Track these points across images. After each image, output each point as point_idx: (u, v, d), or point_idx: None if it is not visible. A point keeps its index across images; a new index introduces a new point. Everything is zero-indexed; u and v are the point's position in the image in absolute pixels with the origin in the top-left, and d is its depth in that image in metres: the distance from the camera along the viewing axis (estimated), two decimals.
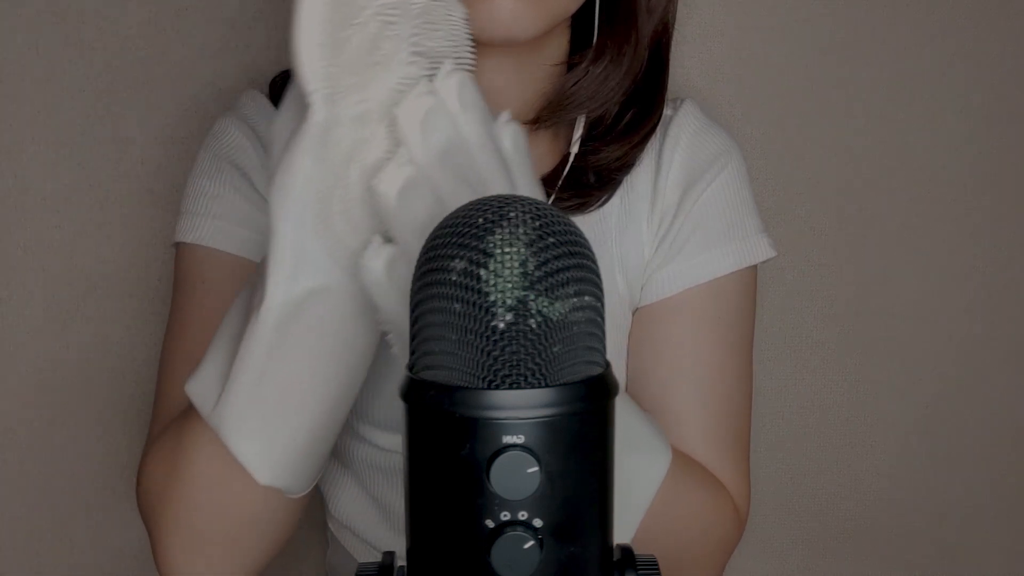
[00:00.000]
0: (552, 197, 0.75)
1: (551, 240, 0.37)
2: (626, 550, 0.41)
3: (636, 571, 0.40)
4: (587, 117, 0.75)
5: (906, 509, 1.09)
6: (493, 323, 0.36)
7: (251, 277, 0.58)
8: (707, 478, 0.71)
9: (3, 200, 0.92)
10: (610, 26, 0.74)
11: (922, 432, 1.08)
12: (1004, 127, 1.04)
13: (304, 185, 0.50)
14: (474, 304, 0.36)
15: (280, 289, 0.52)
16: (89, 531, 0.98)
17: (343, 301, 0.52)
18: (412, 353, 0.39)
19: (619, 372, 0.77)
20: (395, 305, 0.50)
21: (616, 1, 0.74)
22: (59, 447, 0.96)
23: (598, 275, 0.38)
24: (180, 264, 0.76)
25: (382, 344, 0.55)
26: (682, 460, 0.68)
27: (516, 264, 0.36)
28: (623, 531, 0.62)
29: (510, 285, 0.36)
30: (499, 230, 0.36)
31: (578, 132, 0.75)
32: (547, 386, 0.36)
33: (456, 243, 0.37)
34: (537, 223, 0.37)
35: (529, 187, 0.52)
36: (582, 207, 0.75)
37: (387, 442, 0.77)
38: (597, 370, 0.38)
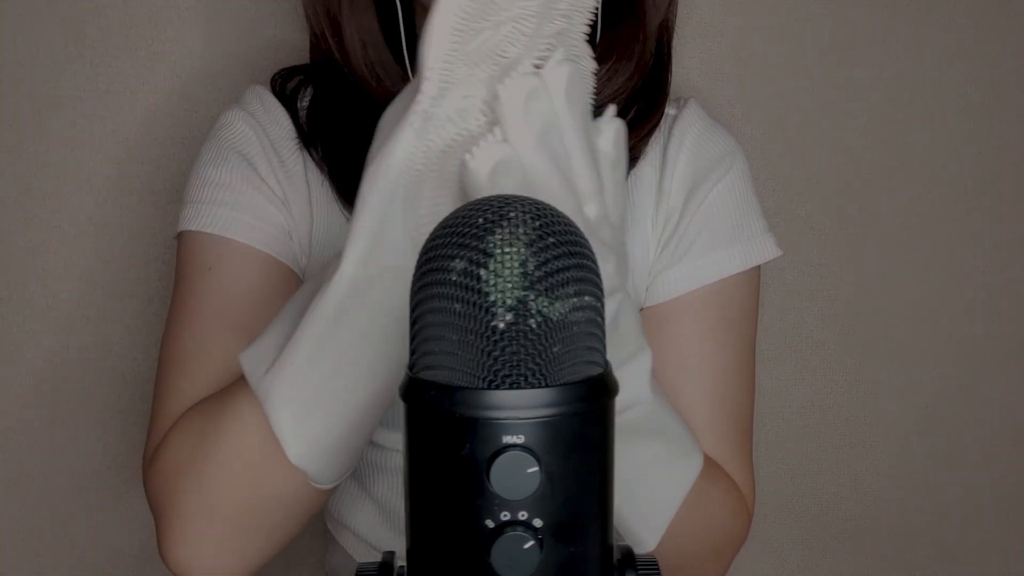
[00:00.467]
0: None
1: (551, 240, 0.37)
2: (626, 550, 0.41)
3: (636, 571, 0.40)
4: (593, 115, 0.75)
5: (906, 509, 1.09)
6: (493, 323, 0.36)
7: (329, 261, 0.58)
8: (724, 477, 0.72)
9: (3, 200, 0.92)
10: (616, 22, 0.74)
11: (922, 432, 1.08)
12: (1004, 127, 1.04)
13: (402, 162, 0.50)
14: (474, 304, 0.36)
15: (356, 261, 0.52)
16: (89, 531, 0.98)
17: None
18: (412, 353, 0.39)
19: None
20: None
21: None
22: (59, 447, 0.96)
23: (598, 275, 0.38)
24: (185, 253, 0.74)
25: None
26: (706, 460, 0.68)
27: (516, 264, 0.36)
28: (652, 532, 0.62)
29: (510, 285, 0.36)
30: (499, 230, 0.36)
31: None
32: (547, 386, 0.36)
33: (456, 243, 0.37)
34: (537, 223, 0.37)
35: (613, 187, 0.52)
36: None
37: (387, 441, 0.77)
38: (597, 370, 0.38)
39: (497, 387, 0.36)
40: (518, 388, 0.36)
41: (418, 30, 0.77)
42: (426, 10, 0.71)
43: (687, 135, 0.77)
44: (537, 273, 0.36)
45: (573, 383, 0.36)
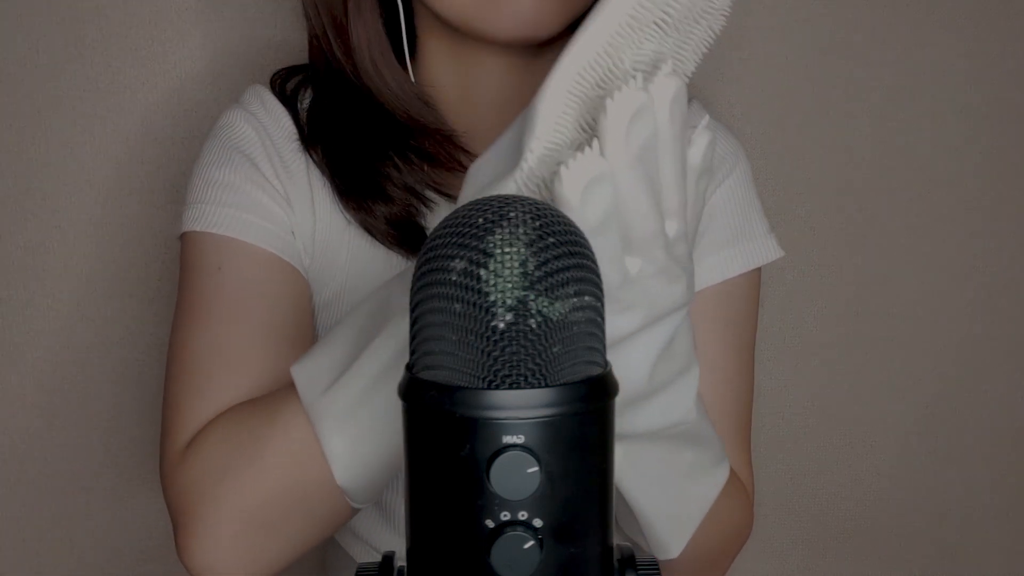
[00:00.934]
0: None
1: (551, 240, 0.37)
2: (626, 550, 0.41)
3: (636, 571, 0.40)
4: None
5: (906, 509, 1.09)
6: (493, 323, 0.36)
7: (391, 280, 0.58)
8: (735, 478, 0.72)
9: (3, 200, 0.92)
10: None
11: (922, 432, 1.08)
12: (1004, 127, 1.04)
13: None
14: (474, 304, 0.36)
15: None
16: (89, 531, 0.98)
17: None
18: (412, 353, 0.39)
19: None
20: None
21: None
22: (59, 447, 0.96)
23: (598, 275, 0.38)
24: (190, 254, 0.72)
25: None
26: None
27: (516, 264, 0.36)
28: (679, 539, 0.62)
29: (510, 285, 0.36)
30: (499, 230, 0.36)
31: None
32: (547, 386, 0.36)
33: (456, 243, 0.37)
34: (537, 223, 0.37)
35: (695, 199, 0.51)
36: None
37: None
38: (597, 370, 0.38)
39: (497, 387, 0.36)
40: (518, 388, 0.36)
41: (419, 31, 0.77)
42: (427, 10, 0.71)
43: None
44: (537, 273, 0.36)
45: (573, 383, 0.36)
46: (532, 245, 0.36)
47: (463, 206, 0.38)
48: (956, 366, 1.07)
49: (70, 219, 0.93)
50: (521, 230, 0.36)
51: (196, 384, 0.67)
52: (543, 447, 0.36)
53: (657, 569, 0.41)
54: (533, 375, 0.36)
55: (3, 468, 0.96)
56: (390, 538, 0.82)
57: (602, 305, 0.39)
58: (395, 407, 0.53)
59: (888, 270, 1.05)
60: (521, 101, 0.75)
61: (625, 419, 0.53)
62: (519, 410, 0.35)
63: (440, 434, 0.36)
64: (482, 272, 0.36)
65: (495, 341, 0.36)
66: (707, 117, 0.52)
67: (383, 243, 0.74)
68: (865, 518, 1.09)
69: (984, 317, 1.07)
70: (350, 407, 0.55)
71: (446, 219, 0.38)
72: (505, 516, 0.36)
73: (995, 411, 1.09)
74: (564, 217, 0.38)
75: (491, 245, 0.36)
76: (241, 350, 0.67)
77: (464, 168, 0.74)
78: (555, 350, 0.36)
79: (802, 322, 1.05)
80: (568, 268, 0.37)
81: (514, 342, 0.36)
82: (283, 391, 0.61)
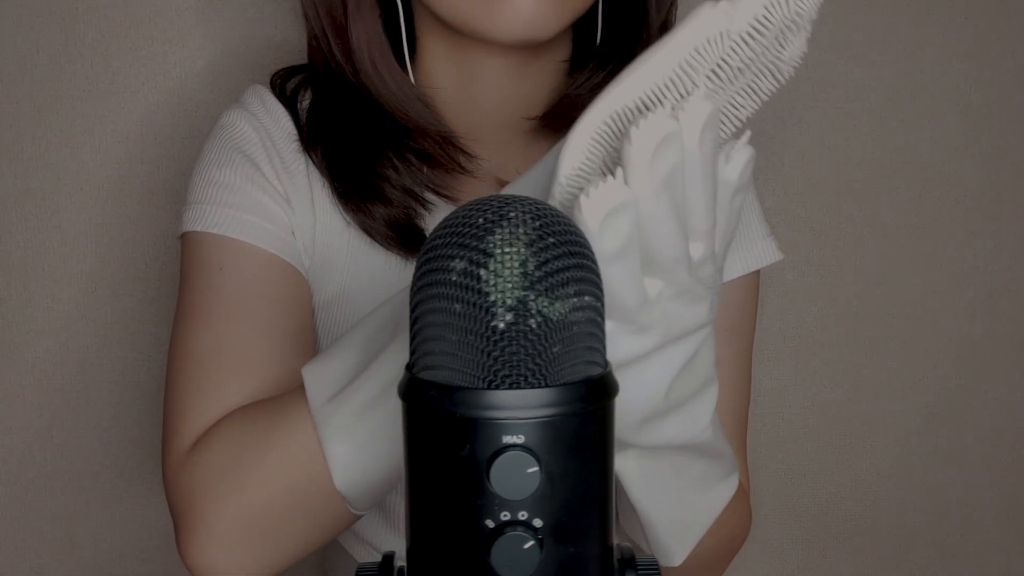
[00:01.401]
0: None
1: (551, 240, 0.37)
2: (626, 550, 0.41)
3: (636, 571, 0.40)
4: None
5: (906, 509, 1.09)
6: (493, 323, 0.36)
7: (404, 289, 0.57)
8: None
9: (3, 200, 0.92)
10: (619, 23, 0.74)
11: (922, 432, 1.08)
12: (1004, 127, 1.04)
13: None
14: (474, 304, 0.36)
15: None
16: (89, 531, 0.98)
17: None
18: (412, 353, 0.39)
19: None
20: None
21: None
22: (59, 447, 0.96)
23: (598, 275, 0.38)
24: (191, 254, 0.72)
25: None
26: None
27: (516, 264, 0.36)
28: (683, 547, 0.61)
29: (510, 285, 0.36)
30: (499, 230, 0.36)
31: None
32: (547, 386, 0.36)
33: (456, 243, 0.37)
34: (537, 223, 0.37)
35: (727, 216, 0.49)
36: None
37: None
38: (597, 370, 0.38)
39: (497, 387, 0.36)
40: (518, 388, 0.36)
41: (418, 32, 0.77)
42: (427, 11, 0.71)
43: None
44: (537, 273, 0.36)
45: (573, 383, 0.36)
46: (532, 245, 0.36)
47: (463, 206, 0.38)
48: (956, 366, 1.07)
49: (70, 219, 0.93)
50: (521, 230, 0.36)
51: (197, 384, 0.67)
52: (543, 447, 0.36)
53: (657, 569, 0.41)
54: (533, 375, 0.36)
55: (3, 468, 0.96)
56: (391, 538, 0.82)
57: (602, 305, 0.38)
58: (399, 418, 0.54)
59: (888, 270, 1.05)
60: (520, 102, 0.75)
61: (640, 434, 0.52)
62: (519, 410, 0.35)
63: (440, 434, 0.36)
64: (482, 272, 0.36)
65: (495, 341, 0.36)
66: (748, 132, 0.51)
67: (382, 244, 0.74)
68: (865, 518, 1.09)
69: (984, 317, 1.07)
70: (355, 415, 0.55)
71: (446, 219, 0.38)
72: (505, 516, 0.36)
73: (995, 411, 1.09)
74: (564, 217, 0.38)
75: (491, 245, 0.36)
76: (242, 350, 0.67)
77: (464, 170, 0.74)
78: (555, 350, 0.36)
79: (802, 322, 1.05)
80: (568, 268, 0.37)
81: (514, 342, 0.36)
82: (289, 395, 0.61)
